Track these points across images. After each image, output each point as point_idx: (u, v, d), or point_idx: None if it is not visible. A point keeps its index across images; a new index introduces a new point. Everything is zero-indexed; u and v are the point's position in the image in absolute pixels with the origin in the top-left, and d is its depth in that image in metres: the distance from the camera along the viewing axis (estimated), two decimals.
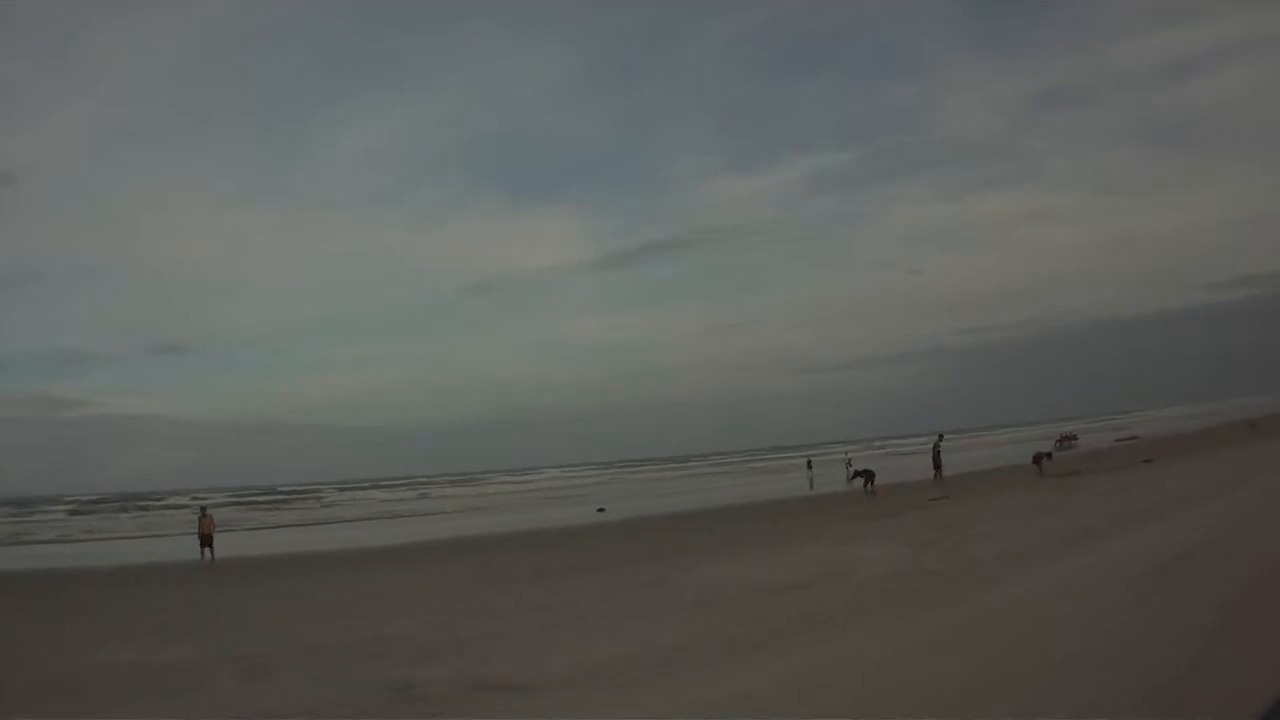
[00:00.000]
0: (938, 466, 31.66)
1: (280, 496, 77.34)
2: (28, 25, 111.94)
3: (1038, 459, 28.33)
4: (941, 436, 32.47)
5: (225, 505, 69.73)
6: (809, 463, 48.72)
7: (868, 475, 29.79)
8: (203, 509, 30.08)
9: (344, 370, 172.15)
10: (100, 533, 47.68)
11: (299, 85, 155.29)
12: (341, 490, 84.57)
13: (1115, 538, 12.49)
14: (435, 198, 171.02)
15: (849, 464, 51.26)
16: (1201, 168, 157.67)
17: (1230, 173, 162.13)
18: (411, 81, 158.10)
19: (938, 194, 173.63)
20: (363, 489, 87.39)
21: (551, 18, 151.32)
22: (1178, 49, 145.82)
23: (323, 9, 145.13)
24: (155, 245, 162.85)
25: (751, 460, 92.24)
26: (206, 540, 26.96)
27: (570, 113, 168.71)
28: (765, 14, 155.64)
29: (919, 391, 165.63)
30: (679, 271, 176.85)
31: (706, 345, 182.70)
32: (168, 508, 68.06)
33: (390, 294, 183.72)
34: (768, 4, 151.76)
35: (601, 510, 39.11)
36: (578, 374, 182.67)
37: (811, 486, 43.12)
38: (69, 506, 73.46)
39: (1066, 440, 56.25)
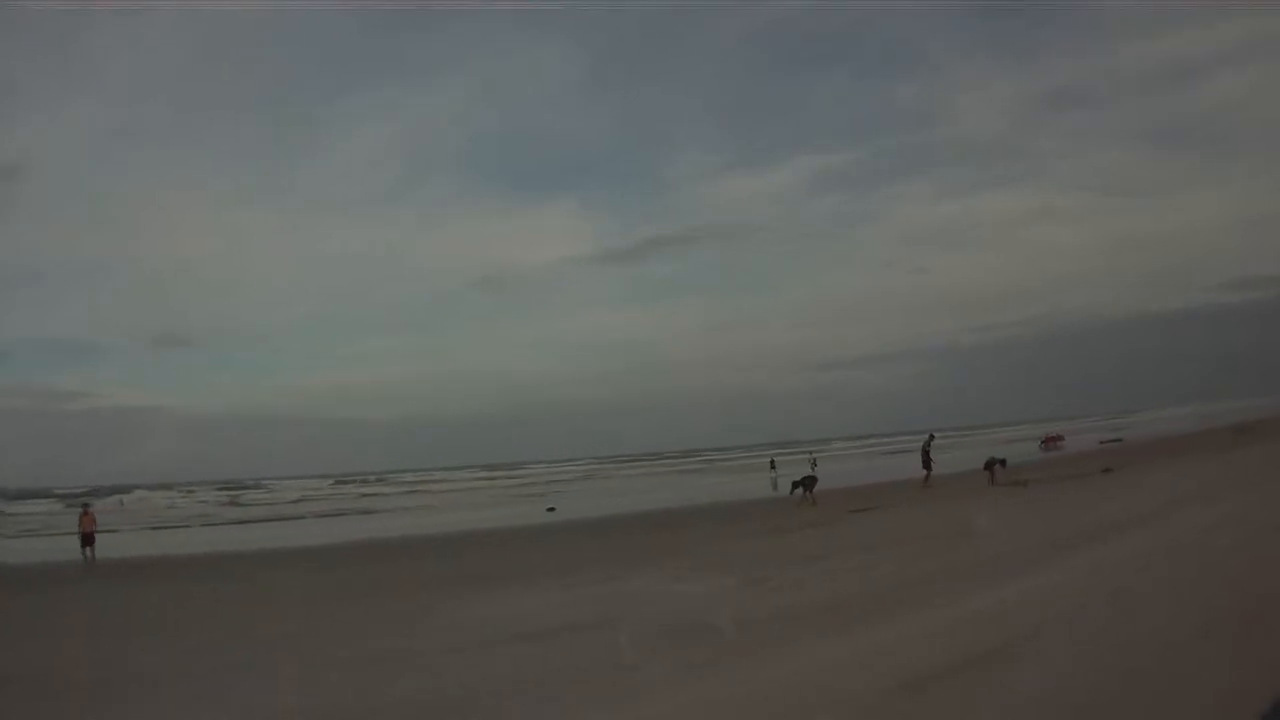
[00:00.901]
0: (927, 466, 28.98)
1: (248, 490, 75.79)
2: (30, 23, 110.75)
3: (990, 466, 25.67)
4: (932, 436, 29.80)
5: (185, 498, 68.36)
6: (772, 463, 46.26)
7: (808, 482, 27.38)
8: (85, 505, 27.88)
9: (347, 366, 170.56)
10: (32, 529, 45.73)
11: (302, 83, 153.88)
12: (321, 484, 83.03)
13: (984, 589, 10.01)
14: (438, 195, 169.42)
15: (813, 466, 48.95)
16: (1204, 169, 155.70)
17: (1233, 174, 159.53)
18: (414, 79, 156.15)
19: (941, 193, 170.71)
20: (348, 482, 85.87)
21: (554, 15, 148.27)
22: (1181, 51, 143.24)
23: (325, 7, 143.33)
24: (158, 241, 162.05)
25: (747, 457, 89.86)
26: (88, 539, 25.00)
27: (573, 110, 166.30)
28: (769, 12, 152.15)
29: (922, 390, 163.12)
30: (682, 269, 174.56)
31: (709, 342, 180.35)
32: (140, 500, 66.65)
33: (393, 290, 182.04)
34: (772, 2, 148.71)
35: (552, 510, 37.46)
36: (580, 370, 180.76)
37: (775, 488, 40.82)
38: (53, 500, 72.06)
39: (1053, 441, 53.58)
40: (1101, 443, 48.31)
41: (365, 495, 64.16)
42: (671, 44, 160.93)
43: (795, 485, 27.45)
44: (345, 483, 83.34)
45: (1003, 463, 25.48)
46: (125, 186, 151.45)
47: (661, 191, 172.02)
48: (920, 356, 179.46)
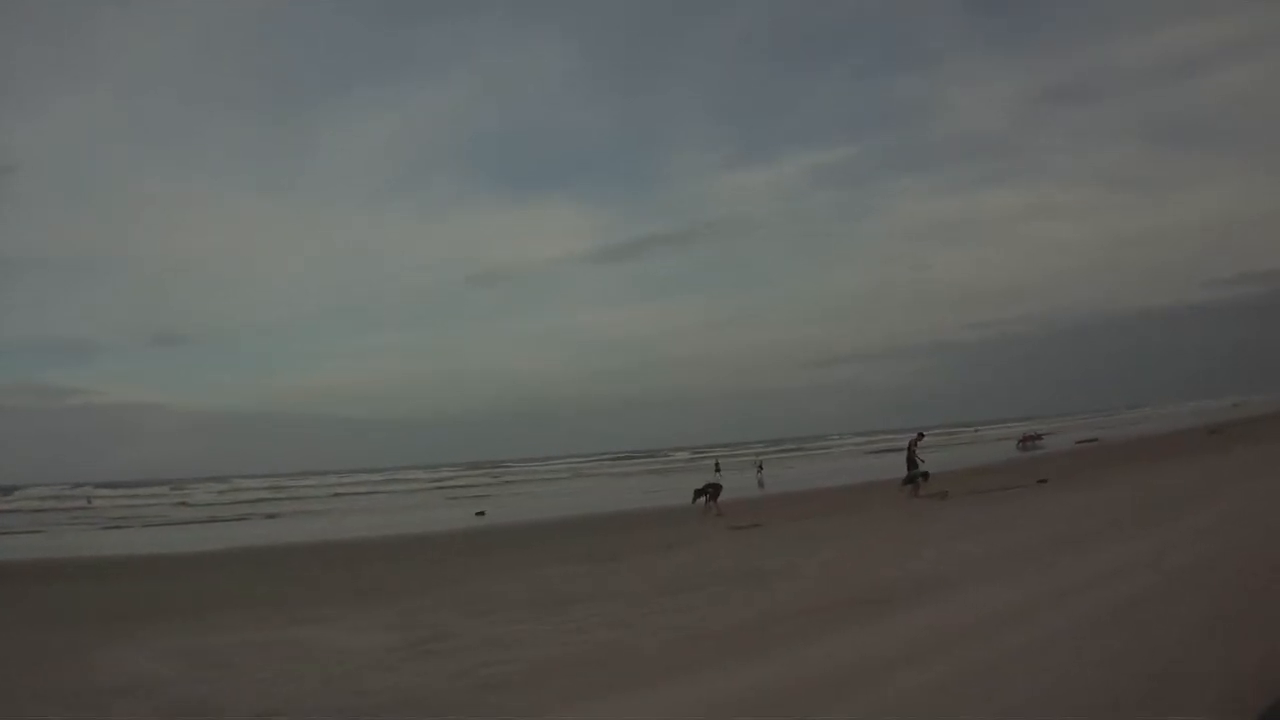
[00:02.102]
0: (913, 467, 25.66)
1: (220, 487, 73.75)
2: (33, 17, 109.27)
3: (913, 478, 22.45)
4: (921, 435, 26.52)
5: (155, 497, 66.35)
6: (717, 465, 43.19)
7: (710, 490, 24.38)
8: None
9: (346, 361, 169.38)
10: None
11: (304, 79, 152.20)
12: (301, 481, 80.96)
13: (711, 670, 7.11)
14: (440, 191, 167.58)
15: (760, 468, 45.91)
16: (1204, 165, 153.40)
17: (1232, 170, 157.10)
18: (416, 76, 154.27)
19: (942, 189, 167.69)
20: (326, 478, 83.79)
21: (556, 13, 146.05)
22: (1181, 47, 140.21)
23: (327, 4, 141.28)
24: (156, 237, 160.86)
25: (743, 454, 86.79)
26: None
27: (574, 107, 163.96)
28: (770, 9, 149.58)
29: (923, 386, 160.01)
30: (682, 265, 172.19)
31: (708, 339, 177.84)
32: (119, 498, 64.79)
33: (394, 286, 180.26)
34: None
35: (481, 514, 34.85)
36: (580, 366, 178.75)
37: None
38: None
39: (1029, 441, 50.29)
40: (1078, 442, 45.19)
41: (324, 495, 61.64)
42: (671, 41, 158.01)
43: (698, 494, 24.43)
44: (323, 479, 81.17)
45: (925, 476, 22.22)
46: (123, 183, 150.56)
47: (661, 188, 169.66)
48: (920, 353, 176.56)
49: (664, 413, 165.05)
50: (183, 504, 55.36)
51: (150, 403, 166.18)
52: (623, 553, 15.71)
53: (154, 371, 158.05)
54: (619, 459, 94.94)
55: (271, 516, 41.83)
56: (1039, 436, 51.88)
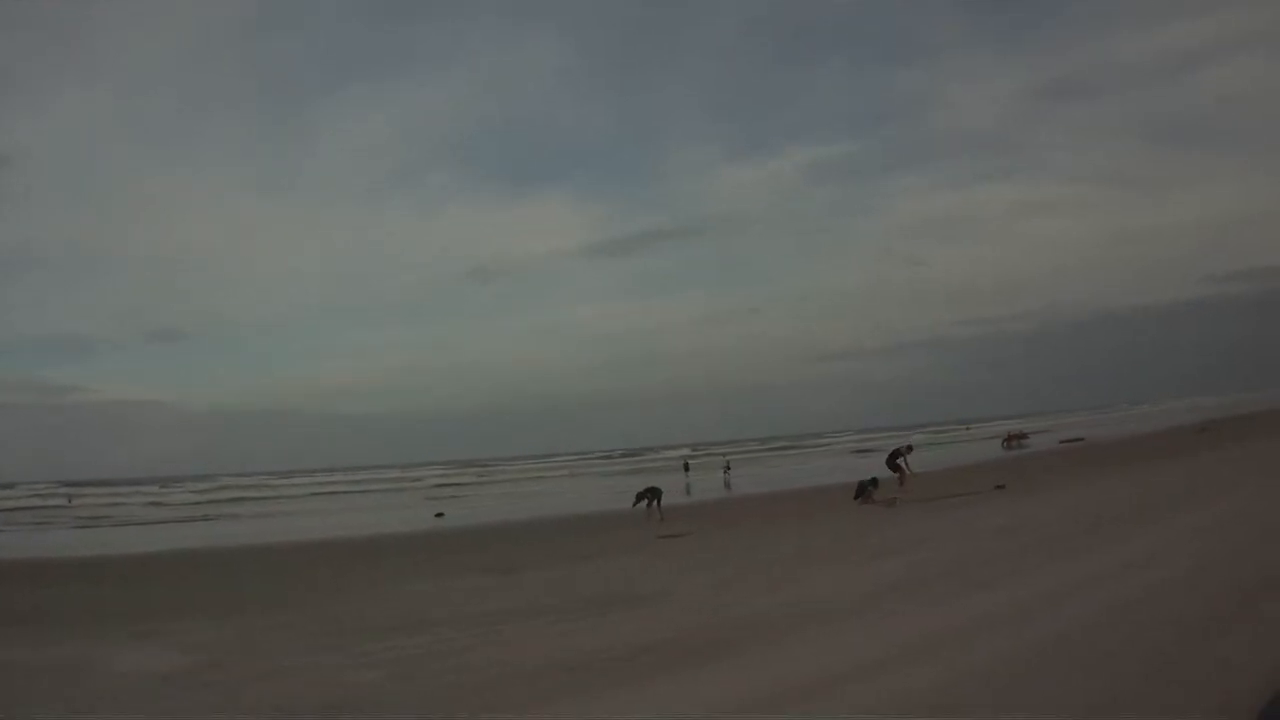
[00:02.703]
0: (898, 470, 24.17)
1: (204, 485, 72.57)
2: (32, 13, 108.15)
3: (864, 489, 20.43)
4: (910, 447, 24.83)
5: (133, 495, 65.19)
6: (686, 465, 41.68)
7: (652, 494, 22.90)
8: None
9: (344, 358, 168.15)
10: None
11: (302, 76, 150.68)
12: (274, 479, 79.71)
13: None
14: (437, 187, 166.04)
15: (727, 469, 44.42)
16: (1202, 162, 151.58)
17: (1231, 167, 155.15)
18: (414, 73, 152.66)
19: (940, 185, 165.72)
20: (316, 476, 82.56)
21: (553, 9, 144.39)
22: (1180, 43, 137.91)
23: (325, 1, 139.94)
24: (156, 232, 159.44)
25: (734, 452, 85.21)
26: None
27: (572, 103, 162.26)
28: (765, 4, 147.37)
29: (919, 383, 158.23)
30: (679, 260, 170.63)
31: (705, 335, 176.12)
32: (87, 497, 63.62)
33: (391, 282, 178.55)
34: None
35: (440, 515, 33.43)
36: (578, 361, 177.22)
37: (689, 492, 36.32)
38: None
39: (1015, 439, 48.58)
40: (1062, 442, 43.53)
41: (302, 495, 60.37)
42: (668, 36, 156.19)
43: (639, 497, 22.96)
44: (300, 477, 79.94)
45: (873, 483, 20.60)
46: (121, 180, 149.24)
47: (658, 183, 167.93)
48: (916, 349, 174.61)
49: (661, 409, 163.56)
50: (156, 504, 54.08)
51: (148, 400, 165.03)
52: (529, 564, 14.30)
53: (152, 368, 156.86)
54: (611, 457, 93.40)
55: (233, 517, 40.50)
56: (1025, 435, 50.13)
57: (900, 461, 23.21)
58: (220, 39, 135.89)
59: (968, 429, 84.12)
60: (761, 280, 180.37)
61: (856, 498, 20.24)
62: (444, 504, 40.90)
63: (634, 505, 22.77)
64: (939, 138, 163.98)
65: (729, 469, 43.00)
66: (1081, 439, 43.19)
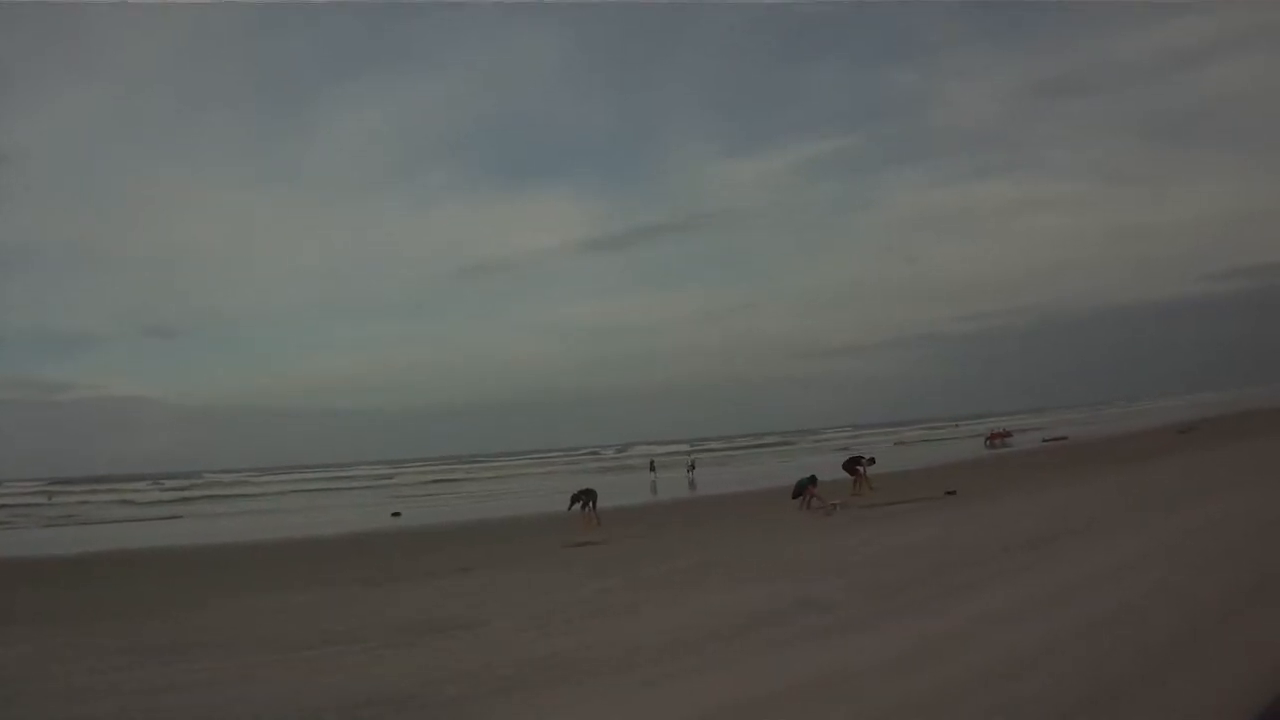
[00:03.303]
0: (855, 475, 22.73)
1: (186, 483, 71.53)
2: (29, 11, 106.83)
3: (802, 490, 18.76)
4: (872, 460, 23.28)
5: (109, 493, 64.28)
6: (651, 464, 40.21)
7: (586, 496, 21.44)
8: None
9: (341, 354, 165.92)
10: None
11: (299, 69, 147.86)
12: (269, 476, 78.63)
13: None
14: (432, 182, 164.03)
15: (691, 468, 43.01)
16: (1200, 159, 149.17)
17: (1228, 165, 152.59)
18: (411, 65, 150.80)
19: (937, 181, 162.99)
20: (305, 472, 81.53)
21: (551, 3, 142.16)
22: (1178, 40, 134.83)
23: None
24: (148, 230, 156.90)
25: (729, 448, 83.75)
26: None
27: (567, 97, 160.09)
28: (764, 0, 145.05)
29: (916, 379, 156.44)
30: (677, 255, 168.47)
31: (704, 329, 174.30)
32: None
33: (388, 277, 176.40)
34: None
35: (397, 515, 32.22)
36: (576, 357, 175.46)
37: (654, 491, 34.92)
38: None
39: (998, 438, 46.96)
40: (1045, 440, 42.00)
41: (278, 492, 59.16)
42: (666, 31, 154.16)
43: (574, 500, 21.51)
44: (277, 474, 78.84)
45: (812, 481, 19.10)
46: (114, 176, 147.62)
47: (655, 179, 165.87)
48: (914, 345, 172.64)
49: (659, 405, 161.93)
50: (127, 502, 52.93)
51: (144, 396, 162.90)
52: (406, 576, 13.03)
53: (148, 365, 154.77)
54: (600, 454, 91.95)
55: (191, 516, 39.36)
56: (1009, 434, 48.51)
57: (860, 468, 21.83)
58: (216, 36, 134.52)
59: (956, 426, 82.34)
60: (759, 276, 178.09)
61: (795, 497, 18.80)
62: (413, 502, 39.71)
63: (569, 508, 21.33)
64: (937, 134, 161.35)
65: (693, 468, 41.51)
66: (1065, 438, 41.62)
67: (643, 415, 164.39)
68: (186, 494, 58.15)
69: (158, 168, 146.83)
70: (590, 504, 21.09)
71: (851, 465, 22.67)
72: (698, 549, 13.47)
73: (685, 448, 72.24)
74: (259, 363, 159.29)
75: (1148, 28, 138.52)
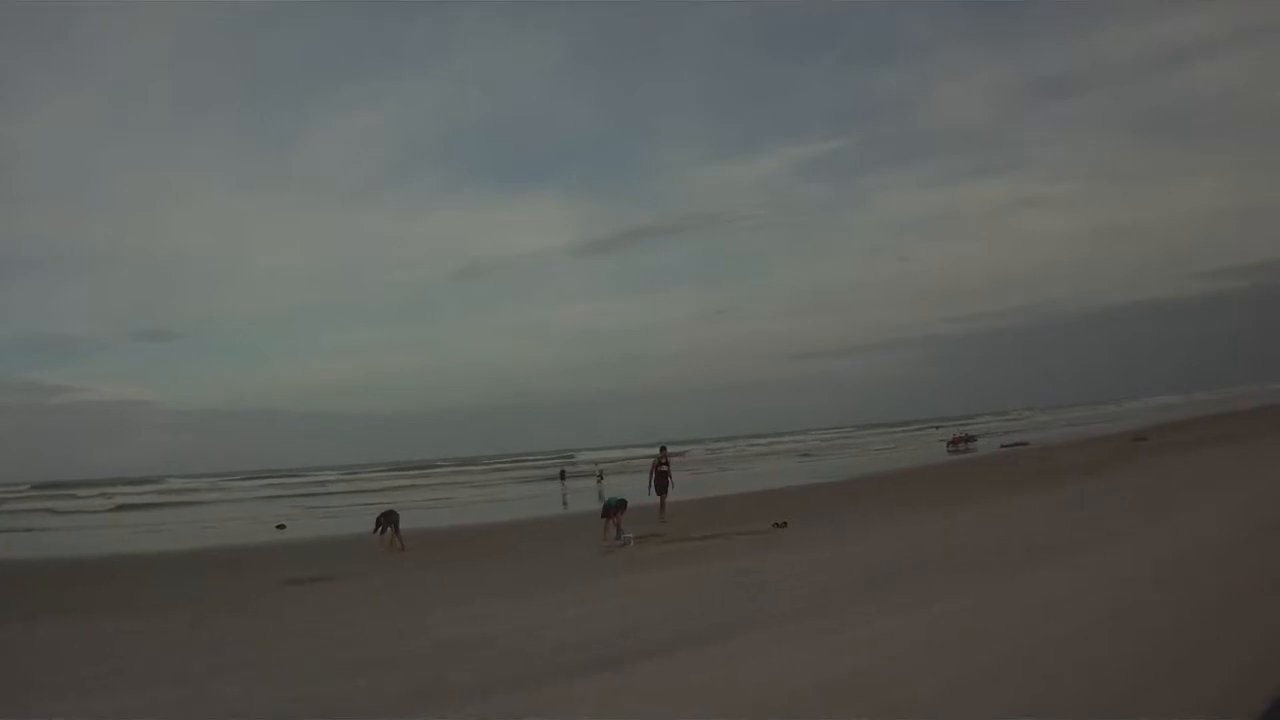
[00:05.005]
0: (661, 492, 19.50)
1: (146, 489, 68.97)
2: (22, 9, 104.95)
3: (608, 509, 15.59)
4: (663, 449, 20.12)
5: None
6: (562, 474, 36.64)
7: (388, 520, 18.10)
8: None
9: (332, 357, 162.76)
10: None
11: (290, 72, 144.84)
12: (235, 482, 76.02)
13: None
14: (425, 184, 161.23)
15: (599, 479, 39.36)
16: (1193, 157, 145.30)
17: (1221, 162, 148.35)
18: (401, 68, 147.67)
19: (928, 182, 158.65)
20: (276, 478, 78.85)
21: (541, 5, 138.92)
22: (1170, 38, 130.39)
23: None
24: (143, 231, 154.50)
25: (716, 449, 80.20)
26: None
27: (559, 99, 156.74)
28: (755, 1, 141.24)
29: (907, 380, 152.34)
30: (668, 258, 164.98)
31: (695, 331, 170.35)
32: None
33: (380, 280, 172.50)
34: None
35: (281, 527, 29.11)
36: (567, 359, 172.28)
37: (565, 505, 31.54)
38: None
39: (960, 442, 43.35)
40: (1003, 446, 38.32)
41: (220, 500, 56.41)
42: (656, 33, 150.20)
43: (378, 523, 18.21)
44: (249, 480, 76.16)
45: (621, 504, 15.60)
46: (108, 179, 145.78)
47: (646, 181, 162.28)
48: (905, 346, 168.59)
49: (648, 406, 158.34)
50: (51, 511, 50.19)
51: (136, 400, 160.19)
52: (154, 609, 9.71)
53: (140, 368, 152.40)
54: (573, 460, 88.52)
55: (95, 529, 36.45)
56: (972, 438, 44.86)
57: (669, 484, 18.58)
58: (208, 37, 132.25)
59: (936, 428, 77.75)
60: (749, 277, 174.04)
61: (603, 517, 15.36)
62: (328, 513, 36.88)
63: (373, 533, 18.03)
64: (928, 134, 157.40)
65: (601, 478, 38.06)
66: (1026, 443, 37.95)
67: (634, 418, 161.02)
68: (129, 501, 55.44)
69: (150, 170, 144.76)
70: (389, 528, 17.81)
71: (661, 482, 19.46)
72: (407, 607, 10.02)
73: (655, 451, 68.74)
74: (249, 366, 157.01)
75: (1139, 25, 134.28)
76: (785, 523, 14.53)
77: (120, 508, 50.67)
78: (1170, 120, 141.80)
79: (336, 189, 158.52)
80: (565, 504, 31.80)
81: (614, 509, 15.22)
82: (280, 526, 29.82)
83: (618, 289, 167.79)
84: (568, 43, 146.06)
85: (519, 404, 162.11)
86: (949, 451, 41.48)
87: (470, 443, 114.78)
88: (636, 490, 18.98)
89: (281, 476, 79.19)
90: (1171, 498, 12.38)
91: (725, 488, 29.08)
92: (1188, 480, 14.92)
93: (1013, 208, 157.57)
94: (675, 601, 9.00)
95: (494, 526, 22.36)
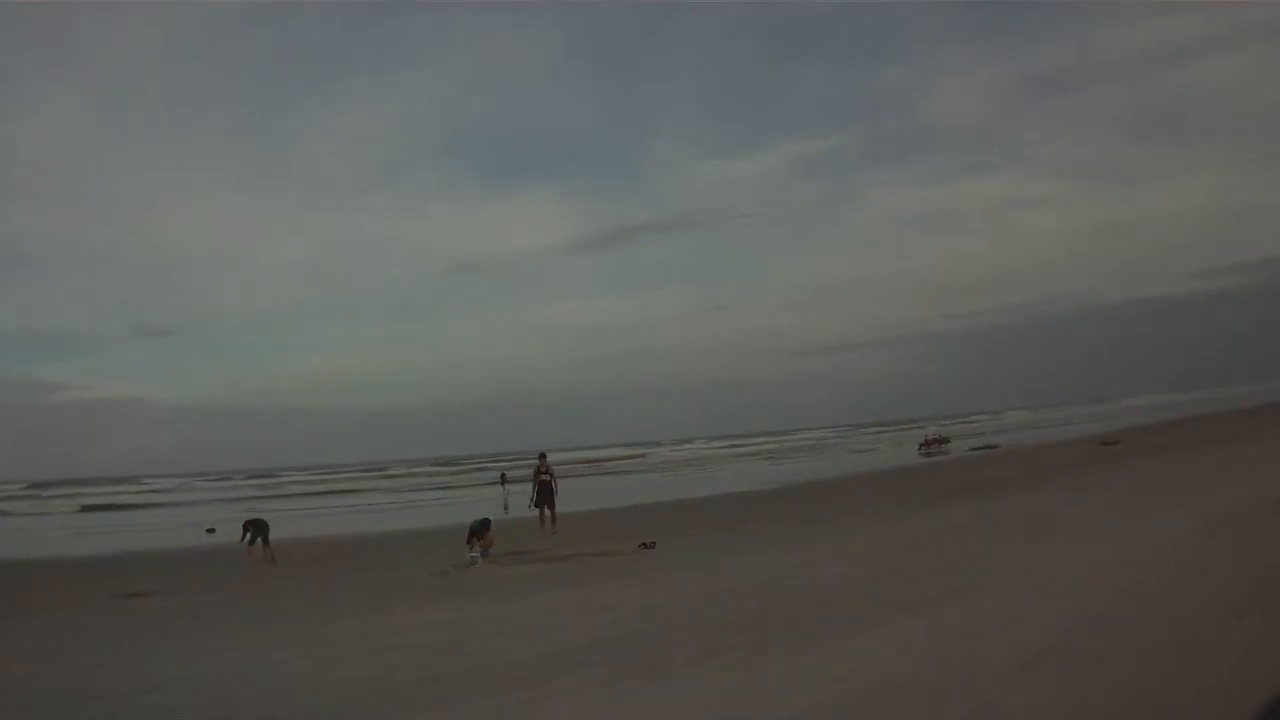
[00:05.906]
0: (543, 507, 18.07)
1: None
2: (20, 9, 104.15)
3: (473, 531, 13.69)
4: (543, 457, 18.71)
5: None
6: (503, 477, 34.87)
7: (256, 529, 16.58)
8: None
9: (329, 353, 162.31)
10: None
11: (286, 70, 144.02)
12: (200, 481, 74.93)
13: None
14: (422, 180, 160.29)
15: (503, 483, 36.09)
16: (1190, 155, 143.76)
17: (1217, 161, 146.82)
18: (398, 65, 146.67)
19: (925, 179, 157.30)
20: (256, 479, 77.82)
21: (536, 2, 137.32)
22: (1167, 36, 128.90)
23: None
24: (140, 228, 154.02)
25: (708, 447, 78.47)
26: None
27: (556, 96, 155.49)
28: None
29: (906, 377, 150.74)
30: (664, 254, 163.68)
31: (691, 328, 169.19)
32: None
33: (377, 277, 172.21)
34: None
35: (211, 531, 27.56)
36: (563, 356, 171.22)
37: (506, 510, 29.91)
38: None
39: (932, 444, 41.50)
40: (972, 449, 36.53)
41: (189, 501, 55.16)
42: (653, 30, 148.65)
43: (244, 531, 16.74)
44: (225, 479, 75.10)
45: (485, 524, 13.87)
46: (104, 176, 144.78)
47: (643, 178, 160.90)
48: (900, 343, 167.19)
49: (645, 404, 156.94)
50: (2, 513, 49.02)
51: (134, 397, 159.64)
52: None
53: (138, 365, 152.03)
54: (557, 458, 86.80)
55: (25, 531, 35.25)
56: (945, 440, 43.00)
57: (553, 494, 17.08)
58: (205, 35, 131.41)
59: (922, 427, 75.59)
60: (746, 274, 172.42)
61: (467, 542, 13.66)
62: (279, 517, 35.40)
63: (240, 541, 16.58)
64: (924, 131, 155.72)
65: (505, 482, 35.26)
66: (996, 446, 36.23)
67: (630, 415, 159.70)
68: (96, 502, 54.20)
69: (148, 168, 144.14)
70: (259, 538, 16.26)
71: (543, 497, 18.05)
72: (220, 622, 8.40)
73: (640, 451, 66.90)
74: (246, 363, 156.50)
75: (1135, 23, 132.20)
76: (654, 543, 12.80)
77: (84, 509, 49.38)
78: (1167, 118, 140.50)
79: (334, 186, 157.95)
80: (506, 509, 30.16)
81: (477, 531, 13.51)
82: (210, 530, 28.35)
83: (615, 286, 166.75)
84: (565, 40, 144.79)
85: (516, 401, 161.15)
86: (919, 454, 39.68)
87: (461, 441, 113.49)
88: None
89: (258, 476, 78.06)
90: (1093, 520, 10.69)
91: (632, 497, 27.45)
92: (1128, 496, 13.20)
93: (1010, 205, 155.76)
94: (435, 645, 7.37)
95: (376, 537, 20.79)
